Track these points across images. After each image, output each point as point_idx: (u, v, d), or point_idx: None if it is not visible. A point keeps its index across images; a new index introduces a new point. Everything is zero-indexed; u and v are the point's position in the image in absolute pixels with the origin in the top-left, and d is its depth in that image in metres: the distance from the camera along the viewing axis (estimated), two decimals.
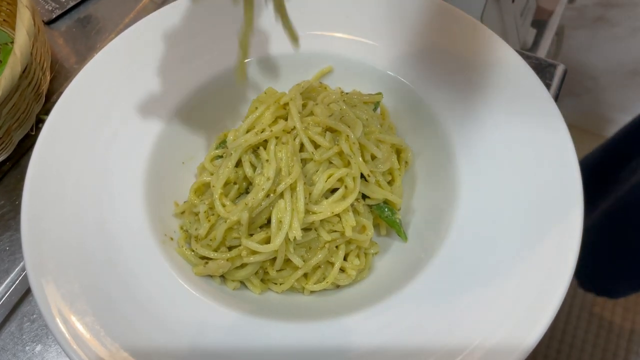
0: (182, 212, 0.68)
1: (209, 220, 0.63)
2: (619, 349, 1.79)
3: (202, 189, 0.68)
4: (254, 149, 0.64)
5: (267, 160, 0.61)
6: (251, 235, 0.61)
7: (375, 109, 0.73)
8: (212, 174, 0.67)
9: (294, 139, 0.63)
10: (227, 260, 0.61)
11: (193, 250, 0.63)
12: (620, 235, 1.33)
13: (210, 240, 0.62)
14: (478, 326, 0.54)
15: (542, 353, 1.74)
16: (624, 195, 1.29)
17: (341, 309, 0.58)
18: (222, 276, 0.64)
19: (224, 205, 0.62)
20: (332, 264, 0.63)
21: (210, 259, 0.62)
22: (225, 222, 0.61)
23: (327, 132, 0.64)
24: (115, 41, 0.72)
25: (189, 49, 0.74)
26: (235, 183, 0.64)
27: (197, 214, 0.65)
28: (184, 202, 0.68)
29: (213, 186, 0.63)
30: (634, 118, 1.32)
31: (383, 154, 0.66)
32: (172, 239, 0.64)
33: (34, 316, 0.67)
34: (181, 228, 0.67)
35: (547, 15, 1.34)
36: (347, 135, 0.63)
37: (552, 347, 1.77)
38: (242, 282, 0.64)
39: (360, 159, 0.64)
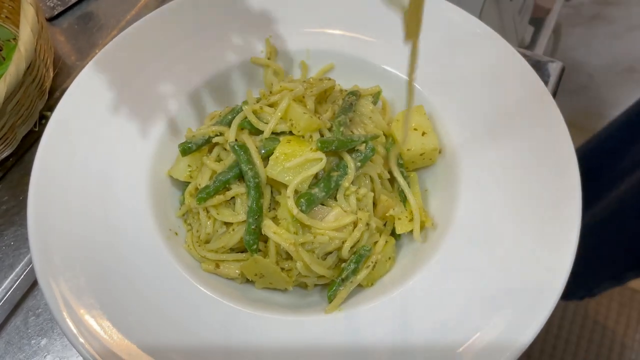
0: (184, 214, 0.68)
1: (210, 218, 0.64)
2: (615, 344, 1.81)
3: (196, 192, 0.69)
4: None
5: None
6: None
7: (375, 103, 0.74)
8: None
9: None
10: (239, 275, 0.63)
11: (195, 249, 0.64)
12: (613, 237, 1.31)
13: (220, 247, 0.63)
14: (473, 324, 0.54)
15: (538, 348, 1.75)
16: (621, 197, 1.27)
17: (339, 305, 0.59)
18: None
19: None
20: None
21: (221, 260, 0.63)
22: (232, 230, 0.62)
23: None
24: (119, 38, 0.73)
25: (193, 45, 0.74)
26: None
27: (198, 213, 0.66)
28: (183, 205, 0.69)
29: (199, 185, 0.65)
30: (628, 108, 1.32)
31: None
32: (176, 234, 0.65)
33: (39, 310, 0.68)
34: (185, 222, 0.67)
35: (545, 12, 1.35)
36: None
37: (548, 342, 1.78)
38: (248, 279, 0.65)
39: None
